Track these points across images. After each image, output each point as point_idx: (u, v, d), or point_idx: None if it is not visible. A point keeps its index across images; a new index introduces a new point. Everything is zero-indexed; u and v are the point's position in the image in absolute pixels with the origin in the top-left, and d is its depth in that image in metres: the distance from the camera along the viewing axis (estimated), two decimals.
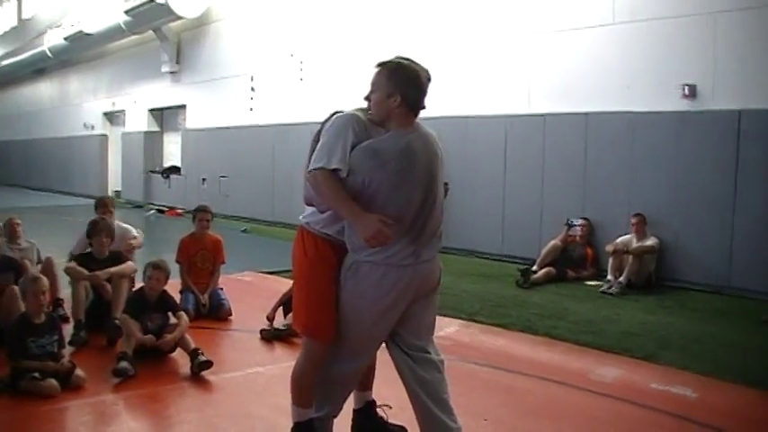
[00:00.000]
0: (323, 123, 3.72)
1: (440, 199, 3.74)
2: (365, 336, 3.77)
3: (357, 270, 3.66)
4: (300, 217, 3.90)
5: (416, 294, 3.74)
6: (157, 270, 5.96)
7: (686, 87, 9.39)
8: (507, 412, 4.94)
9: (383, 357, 3.93)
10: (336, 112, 3.75)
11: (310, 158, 3.62)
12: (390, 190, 3.53)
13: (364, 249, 3.58)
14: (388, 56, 3.73)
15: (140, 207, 21.63)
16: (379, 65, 3.67)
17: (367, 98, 3.70)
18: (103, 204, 7.58)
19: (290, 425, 4.19)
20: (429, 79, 3.67)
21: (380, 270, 3.61)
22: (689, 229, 9.49)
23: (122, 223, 7.68)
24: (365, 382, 4.25)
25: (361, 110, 3.73)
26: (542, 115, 11.15)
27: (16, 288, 5.72)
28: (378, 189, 3.52)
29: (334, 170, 3.50)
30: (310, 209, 3.82)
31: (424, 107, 3.69)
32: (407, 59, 3.71)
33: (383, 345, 3.92)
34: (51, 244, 8.17)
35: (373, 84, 3.67)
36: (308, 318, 3.81)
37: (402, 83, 3.59)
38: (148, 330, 5.79)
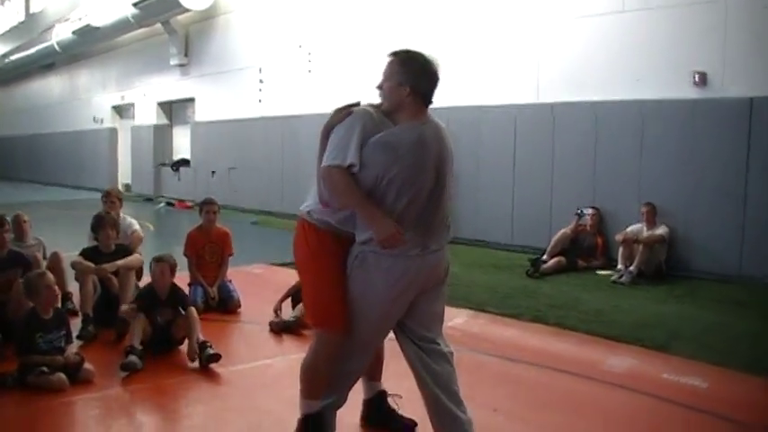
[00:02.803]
0: (330, 118, 3.67)
1: (448, 190, 3.71)
2: (372, 327, 3.76)
3: (364, 260, 3.64)
4: (301, 207, 3.88)
5: (424, 286, 3.72)
6: (161, 263, 5.94)
7: (697, 75, 9.31)
8: (518, 403, 4.91)
9: (395, 350, 3.90)
10: (344, 106, 3.70)
11: (321, 156, 3.60)
12: (403, 183, 3.51)
13: (371, 240, 3.56)
14: (396, 47, 3.71)
15: (150, 200, 21.66)
16: (392, 54, 3.66)
17: (379, 87, 3.69)
18: (108, 195, 7.57)
19: (298, 418, 4.18)
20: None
21: (388, 261, 3.59)
22: (699, 218, 9.42)
23: (127, 216, 7.65)
24: (373, 373, 4.24)
25: (373, 105, 3.70)
26: (551, 104, 11.08)
27: None
28: (391, 183, 3.50)
29: (349, 166, 3.49)
30: (311, 198, 3.80)
31: (431, 100, 3.66)
32: (419, 51, 3.68)
33: (392, 336, 3.89)
34: (61, 239, 8.17)
35: (385, 73, 3.66)
36: (318, 310, 3.81)
37: (414, 73, 3.58)
38: (158, 325, 5.77)
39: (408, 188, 3.52)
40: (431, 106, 3.69)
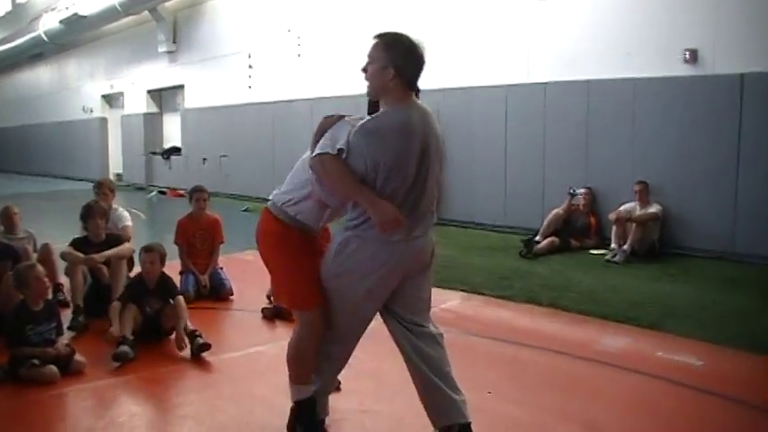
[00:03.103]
0: (320, 124, 3.66)
1: (434, 175, 3.66)
2: (355, 312, 3.75)
3: (347, 246, 3.62)
4: (270, 196, 3.92)
5: (408, 271, 3.70)
6: (150, 253, 5.89)
7: (688, 52, 9.29)
8: (512, 384, 4.90)
9: (384, 332, 3.87)
10: (332, 115, 3.71)
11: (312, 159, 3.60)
12: (390, 169, 3.47)
13: (359, 226, 3.56)
14: (385, 29, 3.66)
15: (142, 189, 21.61)
16: (376, 37, 3.60)
17: (363, 70, 3.63)
18: (100, 186, 7.51)
19: (290, 405, 4.18)
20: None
21: (371, 246, 3.57)
22: (692, 196, 9.41)
23: (119, 208, 7.58)
24: None
25: (353, 118, 3.67)
26: (543, 84, 11.05)
27: None
28: (377, 168, 3.46)
29: (338, 152, 3.48)
30: (282, 189, 3.88)
31: (418, 88, 3.62)
32: (404, 34, 3.63)
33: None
34: (51, 230, 8.13)
35: (370, 56, 3.60)
36: (290, 293, 3.85)
37: (398, 55, 3.53)
38: (147, 315, 5.73)
39: (395, 173, 3.48)
40: (421, 87, 3.64)
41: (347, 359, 4.02)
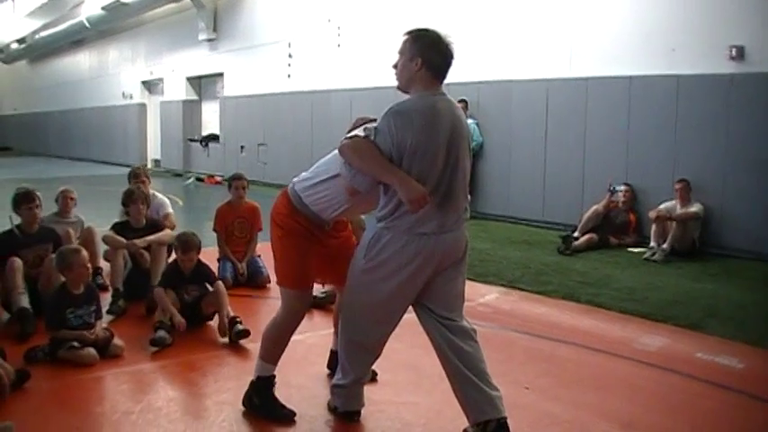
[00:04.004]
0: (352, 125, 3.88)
1: (463, 165, 3.69)
2: (384, 305, 3.77)
3: (379, 239, 3.66)
4: (294, 179, 4.08)
5: (440, 265, 3.70)
6: (186, 253, 5.85)
7: (734, 49, 9.12)
8: (549, 381, 4.85)
9: (420, 327, 3.86)
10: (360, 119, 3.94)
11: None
12: (415, 151, 3.51)
13: (388, 217, 3.61)
14: (425, 20, 3.75)
15: (179, 175, 21.76)
16: (406, 33, 3.72)
17: (394, 66, 3.75)
18: (136, 175, 7.54)
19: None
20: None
21: (402, 239, 3.60)
22: (734, 196, 9.27)
23: (158, 194, 7.60)
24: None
25: None
26: (585, 79, 10.92)
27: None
28: (403, 149, 3.52)
29: (366, 136, 3.60)
30: (304, 174, 4.02)
31: (444, 76, 3.70)
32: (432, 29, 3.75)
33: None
34: (92, 214, 8.18)
35: (400, 51, 3.72)
36: (282, 268, 4.03)
37: (424, 47, 3.63)
38: (185, 302, 5.76)
39: (421, 156, 3.52)
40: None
41: (380, 351, 4.05)
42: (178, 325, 5.50)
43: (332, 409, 4.16)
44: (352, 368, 3.99)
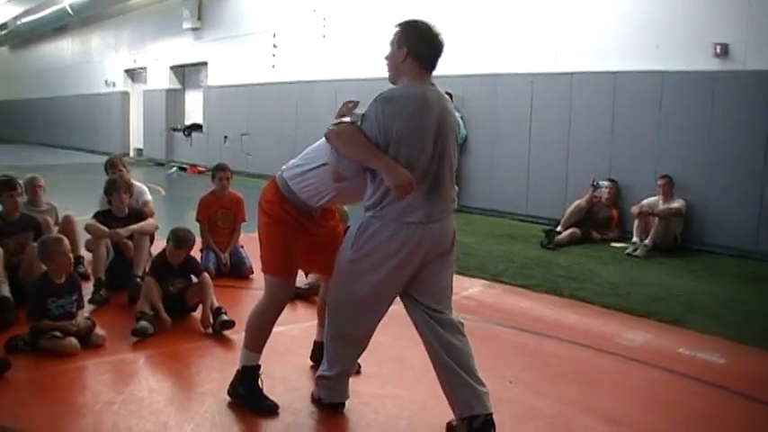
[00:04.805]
0: (339, 110, 3.94)
1: (449, 155, 3.70)
2: (371, 296, 3.77)
3: (366, 228, 3.67)
4: (283, 167, 4.09)
5: (427, 256, 3.70)
6: (178, 249, 5.80)
7: (718, 47, 9.14)
8: (533, 375, 4.87)
9: (407, 317, 3.86)
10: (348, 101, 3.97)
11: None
12: (402, 135, 3.53)
13: (376, 206, 3.61)
14: (410, 12, 3.77)
15: (162, 165, 21.65)
16: (396, 25, 3.75)
17: (386, 57, 3.78)
18: (113, 164, 7.48)
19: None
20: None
21: (390, 227, 3.61)
22: (717, 192, 9.31)
23: (137, 182, 7.50)
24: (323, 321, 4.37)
25: None
26: (570, 74, 10.94)
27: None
28: (390, 135, 3.53)
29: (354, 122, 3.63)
30: (292, 162, 4.03)
31: (433, 67, 3.73)
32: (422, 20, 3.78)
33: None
34: (73, 202, 8.13)
35: (390, 43, 3.75)
36: (267, 255, 4.05)
37: (411, 37, 3.67)
38: (171, 294, 5.72)
39: (408, 145, 3.53)
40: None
41: (366, 344, 4.04)
42: (164, 323, 5.47)
43: (316, 400, 4.16)
44: (338, 360, 3.99)
